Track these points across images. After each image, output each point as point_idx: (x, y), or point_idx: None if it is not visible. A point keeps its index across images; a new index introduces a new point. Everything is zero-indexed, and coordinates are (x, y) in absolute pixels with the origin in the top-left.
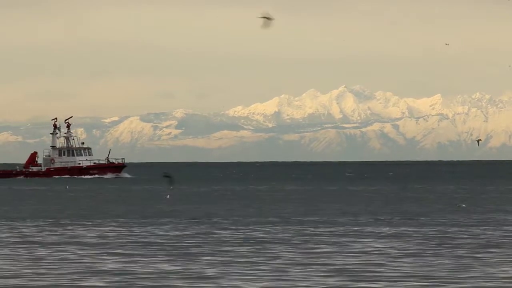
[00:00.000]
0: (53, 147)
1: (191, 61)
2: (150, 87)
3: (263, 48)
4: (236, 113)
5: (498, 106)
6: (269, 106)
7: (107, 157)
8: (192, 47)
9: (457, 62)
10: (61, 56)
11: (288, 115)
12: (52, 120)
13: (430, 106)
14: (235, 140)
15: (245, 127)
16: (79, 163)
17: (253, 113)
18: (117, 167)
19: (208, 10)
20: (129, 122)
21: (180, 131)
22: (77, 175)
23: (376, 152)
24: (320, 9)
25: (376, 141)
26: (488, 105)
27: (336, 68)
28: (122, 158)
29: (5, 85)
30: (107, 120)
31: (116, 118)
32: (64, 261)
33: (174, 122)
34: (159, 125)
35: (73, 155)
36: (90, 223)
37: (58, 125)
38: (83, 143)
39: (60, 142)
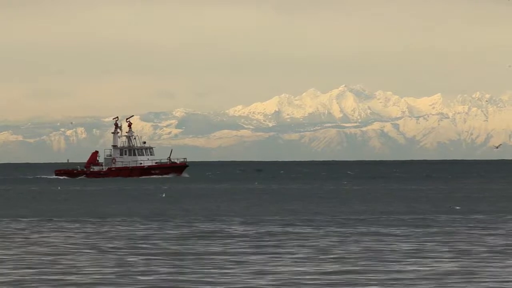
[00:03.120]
0: (114, 146)
1: (191, 61)
2: (150, 86)
3: (263, 47)
4: (236, 112)
5: (498, 105)
6: (269, 106)
7: (169, 157)
8: (192, 47)
9: (457, 62)
10: (61, 56)
11: (288, 115)
12: (113, 119)
13: (430, 105)
14: (235, 140)
15: (245, 126)
16: (141, 163)
17: (253, 113)
18: (180, 167)
19: (208, 9)
20: None
21: (180, 130)
22: (139, 176)
23: (376, 152)
24: (320, 9)
25: (376, 141)
26: (489, 105)
27: (336, 68)
28: (184, 158)
29: (5, 84)
30: (107, 120)
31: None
32: None
33: (174, 122)
34: (159, 124)
35: (134, 154)
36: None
37: (119, 124)
38: (144, 143)
39: (122, 142)
